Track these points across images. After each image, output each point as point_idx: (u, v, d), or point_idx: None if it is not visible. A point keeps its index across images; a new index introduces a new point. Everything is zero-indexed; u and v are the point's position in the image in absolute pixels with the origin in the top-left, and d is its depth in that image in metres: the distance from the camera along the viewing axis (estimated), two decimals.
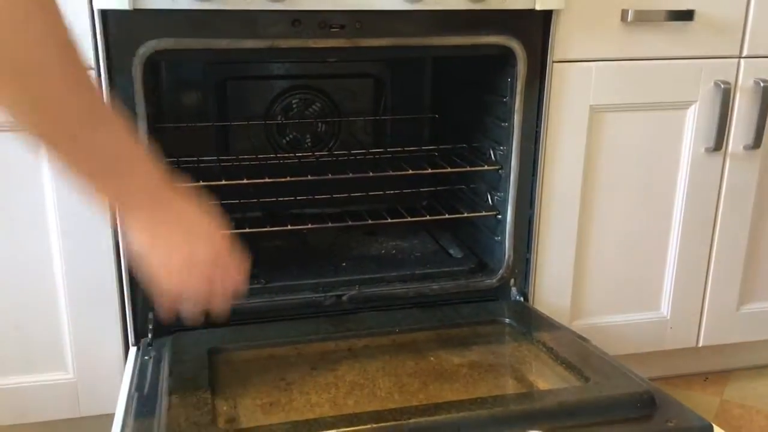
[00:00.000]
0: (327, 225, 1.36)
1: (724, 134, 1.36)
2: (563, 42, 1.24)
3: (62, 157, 0.59)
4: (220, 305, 0.66)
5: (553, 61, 1.24)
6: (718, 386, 1.57)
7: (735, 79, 1.34)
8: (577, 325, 1.37)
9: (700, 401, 1.50)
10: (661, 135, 1.35)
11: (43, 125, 0.56)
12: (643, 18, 1.26)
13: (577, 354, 1.09)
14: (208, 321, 0.89)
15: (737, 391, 1.55)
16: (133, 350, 1.18)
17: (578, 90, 1.27)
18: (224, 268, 0.66)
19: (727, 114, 1.34)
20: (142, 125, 1.10)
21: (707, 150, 1.37)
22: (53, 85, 0.52)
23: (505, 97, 1.27)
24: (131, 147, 0.58)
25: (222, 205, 1.39)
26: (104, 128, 0.57)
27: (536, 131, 1.27)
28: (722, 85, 1.32)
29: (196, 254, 0.63)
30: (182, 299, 0.64)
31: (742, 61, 1.34)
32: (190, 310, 0.64)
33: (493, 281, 1.33)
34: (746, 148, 1.38)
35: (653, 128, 1.34)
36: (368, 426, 0.88)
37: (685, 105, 1.34)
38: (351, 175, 1.33)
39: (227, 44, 1.10)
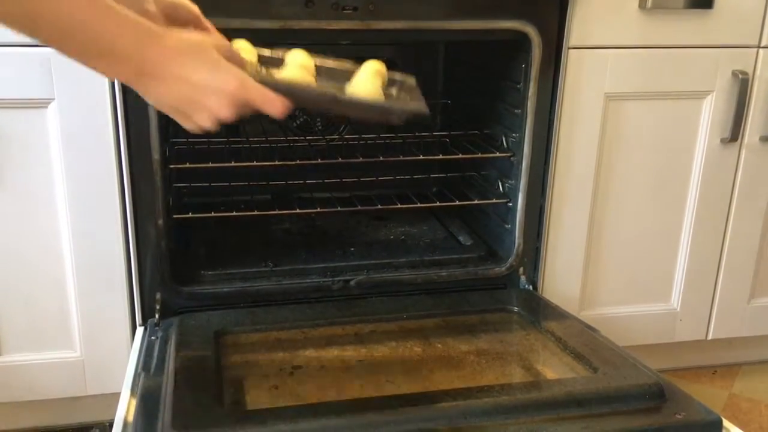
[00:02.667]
0: (336, 209, 1.36)
1: (740, 125, 1.34)
2: (579, 28, 1.22)
3: (80, 60, 0.65)
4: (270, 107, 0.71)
5: (569, 48, 1.22)
6: (726, 380, 1.56)
7: (753, 70, 1.32)
8: (586, 316, 1.35)
9: (708, 394, 1.49)
10: (677, 124, 1.33)
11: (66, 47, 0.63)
12: (662, 5, 1.24)
13: (586, 344, 1.08)
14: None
15: (746, 385, 1.54)
16: (140, 330, 1.19)
17: (593, 77, 1.25)
18: (211, 103, 0.69)
19: (745, 104, 1.32)
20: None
21: (723, 141, 1.35)
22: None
23: (519, 84, 1.26)
24: (131, 39, 0.64)
25: (231, 187, 1.41)
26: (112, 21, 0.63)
27: (550, 118, 1.26)
28: (740, 76, 1.30)
29: (190, 103, 0.69)
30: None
31: (760, 51, 1.32)
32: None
33: (502, 269, 1.32)
34: (762, 139, 1.36)
35: (669, 118, 1.32)
36: (374, 412, 0.87)
37: (702, 95, 1.32)
38: (361, 159, 1.33)
39: (240, 24, 1.08)
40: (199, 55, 0.68)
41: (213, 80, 0.68)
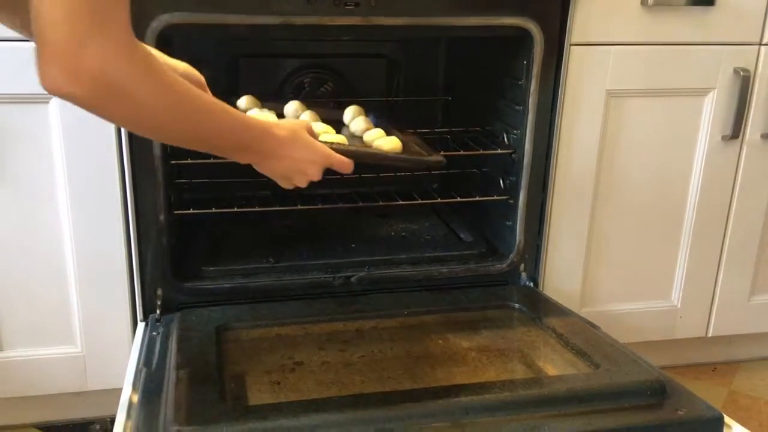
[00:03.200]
0: (337, 206, 1.35)
1: (741, 122, 1.34)
2: (582, 25, 1.22)
3: (220, 153, 0.86)
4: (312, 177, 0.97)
5: (571, 44, 1.22)
6: (726, 376, 1.56)
7: (755, 67, 1.32)
8: (586, 312, 1.36)
9: (708, 391, 1.49)
10: (678, 122, 1.33)
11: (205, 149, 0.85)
12: (664, 2, 1.23)
13: (587, 340, 1.08)
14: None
15: (746, 382, 1.54)
16: (141, 326, 1.19)
17: (595, 74, 1.25)
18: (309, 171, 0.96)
19: (746, 102, 1.32)
20: None
21: (724, 138, 1.35)
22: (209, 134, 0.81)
23: (521, 80, 1.26)
24: (256, 137, 0.88)
25: (233, 183, 1.40)
26: (240, 136, 0.85)
27: (551, 115, 1.26)
28: (742, 73, 1.30)
29: (295, 173, 0.95)
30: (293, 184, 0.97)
31: (762, 48, 1.32)
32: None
33: (503, 266, 1.32)
34: (763, 136, 1.36)
35: (670, 115, 1.32)
36: (375, 407, 0.87)
37: (703, 92, 1.32)
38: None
39: (240, 20, 1.08)
40: (297, 138, 0.92)
41: (309, 155, 0.94)
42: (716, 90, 1.32)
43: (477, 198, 1.41)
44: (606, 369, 0.99)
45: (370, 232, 1.46)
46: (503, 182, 1.36)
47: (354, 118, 1.26)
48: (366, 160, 1.09)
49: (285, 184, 0.96)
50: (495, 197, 1.36)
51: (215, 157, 1.25)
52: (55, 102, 1.10)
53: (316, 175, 0.96)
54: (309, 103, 1.29)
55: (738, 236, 1.43)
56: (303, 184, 0.96)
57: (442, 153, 1.41)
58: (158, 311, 1.17)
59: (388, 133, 1.21)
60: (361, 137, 1.21)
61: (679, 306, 1.46)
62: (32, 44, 0.62)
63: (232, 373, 0.99)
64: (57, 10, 0.58)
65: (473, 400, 0.89)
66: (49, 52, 0.60)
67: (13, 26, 0.87)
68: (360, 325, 1.15)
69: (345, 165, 0.99)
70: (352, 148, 1.11)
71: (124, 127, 0.74)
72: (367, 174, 1.40)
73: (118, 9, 0.62)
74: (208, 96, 0.80)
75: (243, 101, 1.25)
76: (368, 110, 1.29)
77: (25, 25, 0.80)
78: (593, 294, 1.41)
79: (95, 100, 0.64)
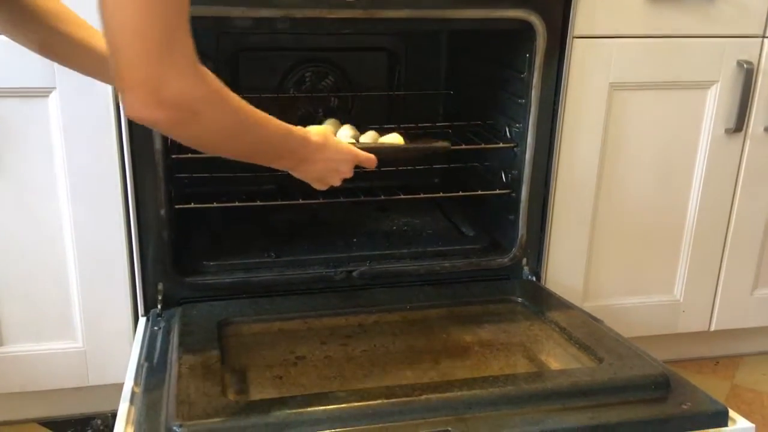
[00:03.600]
0: (339, 200, 1.35)
1: (745, 115, 1.33)
2: (584, 17, 1.21)
3: (262, 162, 0.92)
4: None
5: (573, 37, 1.22)
6: (728, 370, 1.56)
7: (758, 59, 1.31)
8: (589, 307, 1.35)
9: (711, 385, 1.49)
10: (681, 115, 1.33)
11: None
12: None
13: (591, 334, 1.07)
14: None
15: (748, 376, 1.54)
16: (142, 321, 1.18)
17: (598, 67, 1.25)
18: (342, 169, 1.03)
19: (749, 94, 1.32)
20: None
21: (727, 131, 1.34)
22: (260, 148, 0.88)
23: (523, 73, 1.25)
24: (298, 144, 0.94)
25: (234, 177, 1.40)
26: (285, 146, 0.92)
27: (554, 108, 1.25)
28: (745, 65, 1.30)
29: (328, 173, 1.01)
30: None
31: (765, 40, 1.31)
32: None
33: (505, 260, 1.32)
34: (767, 129, 1.36)
35: (673, 108, 1.32)
36: (379, 401, 0.87)
37: (706, 84, 1.31)
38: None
39: (241, 12, 1.08)
40: (328, 141, 0.98)
41: (340, 155, 1.01)
42: (719, 83, 1.31)
43: (479, 192, 1.40)
44: (610, 363, 0.98)
45: (372, 226, 1.46)
46: (505, 176, 1.35)
47: (336, 129, 1.26)
48: (387, 155, 1.14)
49: (319, 186, 1.03)
50: (497, 191, 1.36)
51: None
52: (55, 96, 1.09)
53: (348, 172, 1.04)
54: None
55: (741, 230, 1.42)
56: (337, 183, 1.04)
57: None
58: (159, 306, 1.17)
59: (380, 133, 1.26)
60: (357, 142, 1.22)
61: (681, 300, 1.45)
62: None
63: (233, 368, 0.99)
64: (134, 48, 0.64)
65: (476, 394, 0.89)
66: (132, 88, 0.67)
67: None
68: (362, 320, 1.15)
69: (371, 160, 1.07)
70: (373, 144, 1.19)
71: (198, 146, 0.82)
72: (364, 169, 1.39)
73: (186, 39, 0.67)
74: (257, 110, 0.84)
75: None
76: (342, 122, 1.30)
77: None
78: (596, 288, 1.40)
79: (178, 124, 0.71)
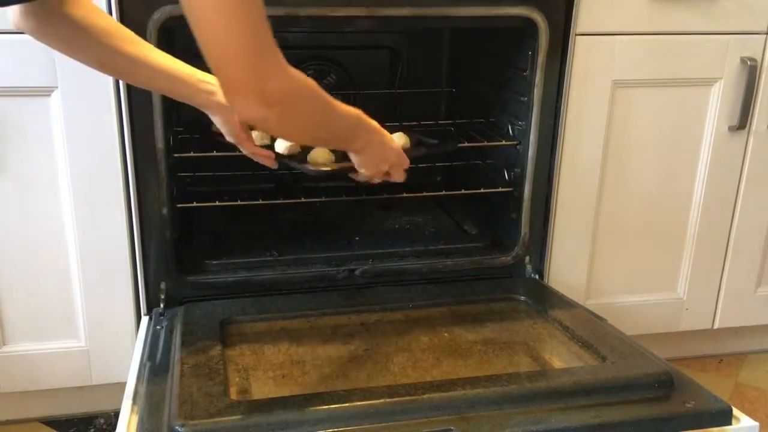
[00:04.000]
0: (341, 198, 1.35)
1: (748, 112, 1.33)
2: (587, 14, 1.20)
3: (334, 146, 1.02)
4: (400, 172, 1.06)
5: (576, 34, 1.21)
6: (732, 368, 1.55)
7: (762, 56, 1.31)
8: (592, 305, 1.35)
9: (715, 383, 1.48)
10: (685, 112, 1.32)
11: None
12: None
13: (594, 333, 1.07)
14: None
15: (752, 374, 1.53)
16: (145, 320, 1.18)
17: (601, 64, 1.24)
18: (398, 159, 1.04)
19: (753, 92, 1.31)
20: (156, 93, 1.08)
21: (731, 128, 1.34)
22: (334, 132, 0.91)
23: (525, 71, 1.25)
24: (364, 125, 0.95)
25: (236, 176, 1.40)
26: (351, 130, 0.93)
27: (556, 106, 1.25)
28: (749, 62, 1.29)
29: (384, 158, 1.01)
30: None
31: None
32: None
33: (507, 258, 1.32)
34: None
35: (676, 105, 1.31)
36: (381, 400, 0.87)
37: (710, 82, 1.31)
38: None
39: None
40: (382, 129, 0.99)
41: (393, 143, 1.02)
42: (723, 80, 1.31)
43: (482, 190, 1.40)
44: (613, 361, 0.98)
45: (374, 224, 1.46)
46: (508, 174, 1.35)
47: None
48: (411, 154, 1.14)
49: (372, 170, 1.02)
50: (500, 189, 1.35)
51: (217, 151, 1.26)
52: (57, 95, 1.09)
53: (395, 161, 1.03)
54: None
55: (744, 227, 1.42)
56: (385, 169, 1.03)
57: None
58: (162, 305, 1.17)
59: None
60: None
61: (685, 298, 1.45)
62: None
63: (236, 367, 0.99)
64: (238, 63, 0.70)
65: (479, 393, 0.89)
66: (243, 95, 0.72)
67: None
68: (364, 318, 1.15)
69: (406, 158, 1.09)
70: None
71: (296, 138, 0.89)
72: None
73: (273, 40, 0.72)
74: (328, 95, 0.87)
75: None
76: None
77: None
78: (599, 286, 1.40)
79: (283, 118, 0.75)
